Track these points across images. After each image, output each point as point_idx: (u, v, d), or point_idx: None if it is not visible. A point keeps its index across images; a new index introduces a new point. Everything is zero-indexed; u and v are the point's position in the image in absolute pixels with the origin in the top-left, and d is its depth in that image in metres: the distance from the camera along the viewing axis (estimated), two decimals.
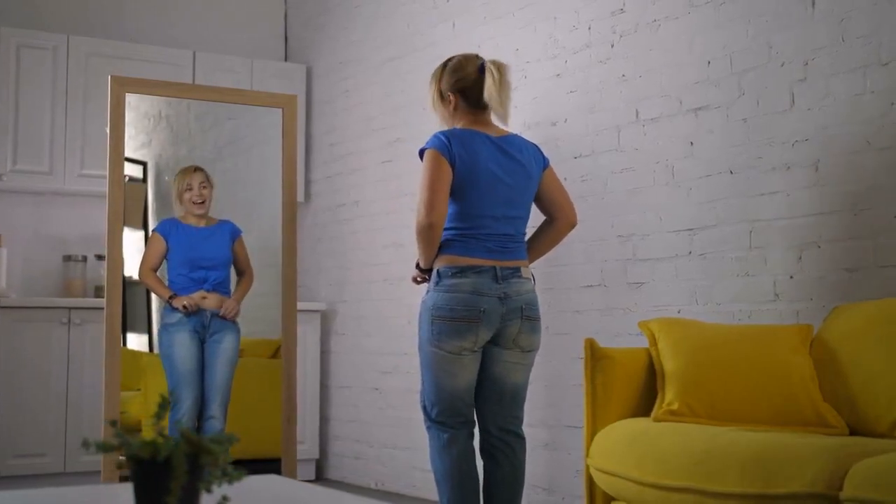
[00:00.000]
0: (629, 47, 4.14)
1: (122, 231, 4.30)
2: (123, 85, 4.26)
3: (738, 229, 3.68)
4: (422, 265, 3.50)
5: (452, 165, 3.40)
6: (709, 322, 3.44)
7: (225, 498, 1.65)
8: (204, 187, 4.60)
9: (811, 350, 2.97)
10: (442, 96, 3.62)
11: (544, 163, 3.60)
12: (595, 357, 3.02)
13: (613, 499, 2.92)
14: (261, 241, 4.88)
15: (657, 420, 2.86)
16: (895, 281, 3.19)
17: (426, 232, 3.39)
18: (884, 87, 3.26)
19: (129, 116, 4.53)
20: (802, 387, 2.83)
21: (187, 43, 6.23)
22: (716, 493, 2.44)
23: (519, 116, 4.63)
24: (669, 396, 2.88)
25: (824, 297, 3.38)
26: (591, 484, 2.98)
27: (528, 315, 3.45)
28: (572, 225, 3.64)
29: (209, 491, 1.61)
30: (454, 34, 5.09)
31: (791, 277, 3.49)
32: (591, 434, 2.97)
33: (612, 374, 2.99)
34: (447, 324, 3.37)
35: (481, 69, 3.54)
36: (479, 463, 3.55)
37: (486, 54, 4.84)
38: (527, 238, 3.60)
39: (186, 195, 4.57)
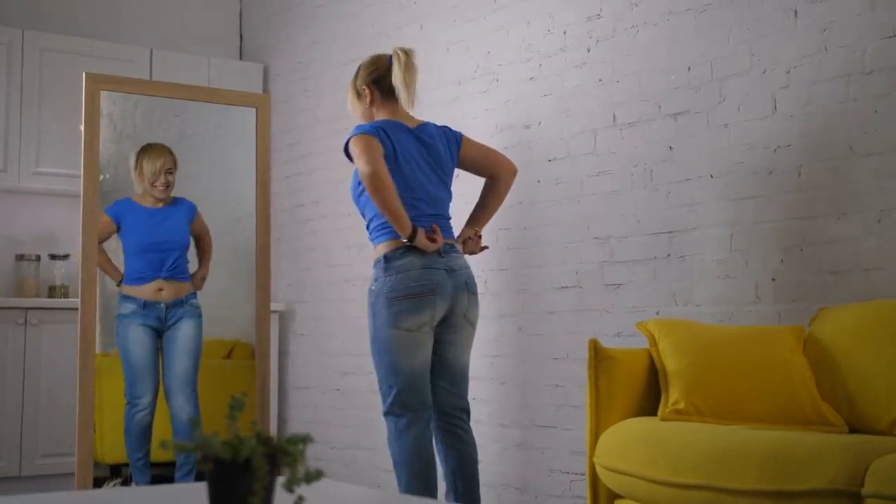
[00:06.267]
0: (606, 52, 4.20)
1: (96, 230, 4.23)
2: (98, 82, 4.19)
3: (719, 232, 3.75)
4: (404, 227, 3.57)
5: (383, 145, 3.65)
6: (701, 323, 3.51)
7: (301, 498, 1.65)
8: (171, 173, 4.53)
9: (804, 350, 3.05)
10: (358, 94, 3.91)
11: (458, 138, 3.90)
12: (598, 357, 3.06)
13: (619, 497, 2.97)
14: (214, 240, 4.81)
15: (664, 419, 2.91)
16: (878, 284, 3.28)
17: (375, 179, 3.51)
18: (867, 94, 3.35)
19: None
20: (803, 386, 2.91)
21: (144, 40, 6.15)
22: (733, 490, 2.50)
23: (490, 119, 4.67)
24: (674, 396, 2.94)
25: (807, 300, 3.47)
26: (594, 482, 3.02)
27: (473, 290, 3.76)
28: (514, 172, 3.95)
29: (291, 491, 1.61)
30: (421, 36, 5.10)
31: (773, 280, 3.57)
32: (595, 433, 3.01)
33: (615, 375, 3.04)
34: (406, 302, 3.59)
35: (391, 58, 3.82)
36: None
37: (456, 57, 4.89)
38: (463, 215, 3.94)
39: (160, 180, 4.48)
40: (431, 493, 3.62)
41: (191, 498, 1.97)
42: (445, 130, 3.89)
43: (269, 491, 1.64)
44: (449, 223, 3.82)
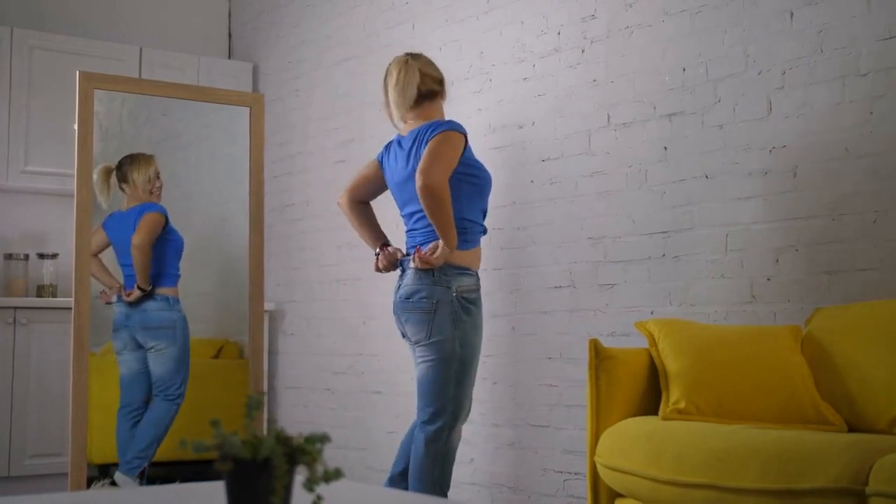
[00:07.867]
0: (601, 53, 4.21)
1: (90, 229, 4.21)
2: (92, 81, 4.17)
3: (714, 232, 3.77)
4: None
5: (383, 168, 3.90)
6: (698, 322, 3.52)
7: (319, 497, 1.65)
8: (159, 176, 4.53)
9: (802, 350, 3.07)
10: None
11: (427, 139, 3.65)
12: (599, 357, 3.07)
13: (620, 496, 2.98)
14: (201, 240, 4.79)
15: (666, 419, 2.92)
16: (873, 284, 3.31)
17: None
18: (863, 96, 3.38)
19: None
20: (802, 385, 2.93)
21: (134, 38, 6.12)
22: (736, 488, 2.51)
23: (483, 119, 4.67)
24: (675, 395, 2.95)
25: (802, 300, 3.49)
26: (595, 481, 3.03)
27: (404, 307, 3.72)
28: (420, 187, 3.52)
29: (311, 490, 1.61)
30: (413, 36, 5.10)
31: (768, 280, 3.59)
32: (596, 433, 3.02)
33: (615, 374, 3.05)
34: None
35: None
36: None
37: (448, 57, 4.89)
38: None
39: (157, 184, 4.47)
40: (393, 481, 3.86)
41: (208, 498, 1.97)
42: (423, 130, 3.70)
43: (287, 490, 1.64)
44: (428, 234, 3.72)
